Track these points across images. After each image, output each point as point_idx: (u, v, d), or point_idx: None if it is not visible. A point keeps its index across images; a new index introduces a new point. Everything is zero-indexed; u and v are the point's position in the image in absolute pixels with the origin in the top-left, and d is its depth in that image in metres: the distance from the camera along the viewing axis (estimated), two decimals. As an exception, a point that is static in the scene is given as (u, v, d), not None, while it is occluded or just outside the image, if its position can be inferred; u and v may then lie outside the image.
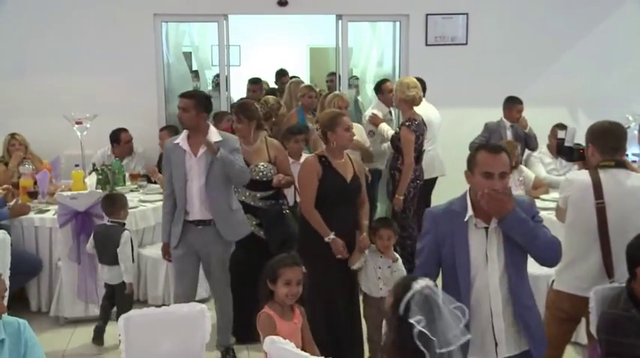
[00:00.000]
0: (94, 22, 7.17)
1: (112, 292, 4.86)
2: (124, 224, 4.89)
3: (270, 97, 7.15)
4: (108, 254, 4.79)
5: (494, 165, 2.91)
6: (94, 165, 6.40)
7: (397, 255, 4.33)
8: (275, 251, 4.29)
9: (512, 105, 6.66)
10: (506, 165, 2.94)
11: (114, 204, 4.87)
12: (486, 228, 2.97)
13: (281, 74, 9.24)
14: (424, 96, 6.32)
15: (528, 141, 6.69)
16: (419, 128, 5.41)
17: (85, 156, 6.26)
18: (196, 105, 4.22)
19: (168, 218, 4.42)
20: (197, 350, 3.08)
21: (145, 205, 5.72)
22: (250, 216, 4.67)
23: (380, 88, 6.83)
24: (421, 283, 2.42)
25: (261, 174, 4.73)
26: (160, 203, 5.64)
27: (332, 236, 4.06)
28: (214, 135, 4.29)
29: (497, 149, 3.00)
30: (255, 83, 7.69)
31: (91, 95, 7.02)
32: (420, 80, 6.40)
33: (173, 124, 6.95)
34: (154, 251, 5.59)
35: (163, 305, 5.04)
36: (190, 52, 9.69)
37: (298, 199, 4.74)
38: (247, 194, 4.75)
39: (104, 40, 7.19)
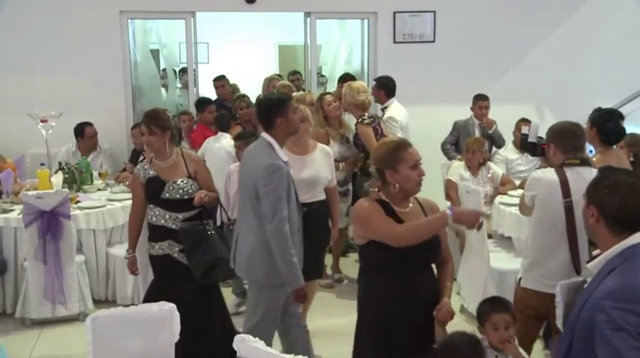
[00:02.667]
0: (59, 18, 7.07)
1: None
2: None
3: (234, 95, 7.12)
4: None
5: None
6: (60, 163, 6.31)
7: (524, 353, 3.12)
8: (201, 279, 3.95)
9: (475, 101, 6.78)
10: None
11: None
12: None
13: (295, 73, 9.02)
14: (394, 95, 6.38)
15: (495, 140, 6.78)
16: (373, 121, 5.44)
17: (51, 155, 6.18)
18: None
19: (293, 248, 3.58)
20: (166, 349, 3.04)
21: (113, 204, 5.65)
22: (172, 243, 3.99)
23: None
24: None
25: (181, 191, 3.99)
26: (129, 201, 5.60)
27: None
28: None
29: None
30: (219, 79, 7.66)
31: (57, 93, 6.94)
32: (389, 79, 6.45)
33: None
34: (123, 250, 5.50)
35: (132, 304, 4.99)
36: (158, 50, 9.60)
37: (225, 218, 4.25)
38: (167, 217, 3.99)
39: (70, 37, 7.09)
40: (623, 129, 4.41)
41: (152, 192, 4.02)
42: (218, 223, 4.25)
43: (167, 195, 3.98)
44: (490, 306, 3.14)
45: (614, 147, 4.39)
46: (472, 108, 6.81)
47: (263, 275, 3.63)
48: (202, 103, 6.86)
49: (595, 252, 2.43)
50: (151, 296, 3.97)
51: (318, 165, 4.48)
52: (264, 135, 3.68)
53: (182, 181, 4.02)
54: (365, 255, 3.11)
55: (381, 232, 2.98)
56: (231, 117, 6.52)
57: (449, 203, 2.76)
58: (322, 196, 4.57)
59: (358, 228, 3.10)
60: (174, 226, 3.99)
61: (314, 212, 4.43)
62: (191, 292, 3.97)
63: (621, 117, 4.45)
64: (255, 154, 3.70)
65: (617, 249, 2.19)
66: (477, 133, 6.68)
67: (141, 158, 6.45)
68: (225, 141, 6.01)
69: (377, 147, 3.24)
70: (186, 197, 4.00)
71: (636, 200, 2.19)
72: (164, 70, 9.56)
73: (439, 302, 3.03)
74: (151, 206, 4.05)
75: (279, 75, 8.14)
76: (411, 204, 3.10)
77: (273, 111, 3.65)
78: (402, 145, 3.08)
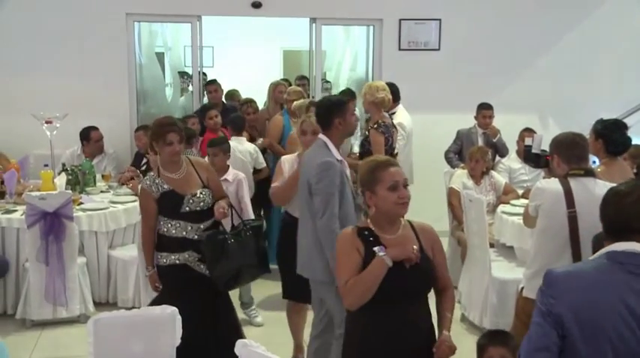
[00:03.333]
0: (65, 20, 7.09)
1: None
2: None
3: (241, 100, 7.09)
4: None
5: None
6: (63, 165, 6.32)
7: None
8: (223, 288, 3.95)
9: (479, 110, 6.79)
10: None
11: None
12: None
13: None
14: (399, 102, 6.38)
15: (498, 149, 6.78)
16: (387, 130, 5.43)
17: (55, 156, 6.18)
18: None
19: None
20: (168, 353, 3.04)
21: (115, 206, 5.66)
22: (192, 253, 3.89)
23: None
24: None
25: (202, 204, 3.92)
26: (132, 204, 5.65)
27: None
28: None
29: None
30: (212, 84, 7.65)
31: (62, 94, 6.94)
32: (393, 84, 6.45)
33: (148, 124, 6.91)
34: (125, 253, 5.56)
35: (133, 307, 4.99)
36: (163, 53, 9.62)
37: (236, 221, 4.12)
38: (189, 228, 3.89)
39: (75, 39, 7.11)
40: (629, 140, 4.42)
41: (170, 206, 3.87)
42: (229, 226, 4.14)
43: (187, 208, 3.87)
44: (488, 338, 3.06)
45: (618, 158, 4.39)
46: (476, 117, 6.82)
47: (321, 272, 3.67)
48: (204, 109, 6.85)
49: None
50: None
51: None
52: (321, 135, 3.77)
53: (201, 193, 3.92)
54: None
55: (338, 285, 2.81)
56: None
57: (377, 247, 2.71)
58: None
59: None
60: (196, 237, 3.90)
61: None
62: (206, 299, 3.93)
63: (626, 127, 4.46)
64: (311, 154, 3.77)
65: (597, 254, 2.24)
66: (481, 142, 6.68)
67: (144, 161, 6.46)
68: (247, 144, 6.08)
69: (360, 166, 3.06)
70: (206, 208, 3.94)
71: (614, 209, 2.21)
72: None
73: (434, 335, 2.79)
74: (166, 219, 3.89)
75: (285, 79, 8.14)
76: (400, 230, 2.83)
77: (332, 111, 3.73)
78: (382, 165, 2.83)
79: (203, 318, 3.84)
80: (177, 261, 3.89)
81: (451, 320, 2.85)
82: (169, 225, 3.89)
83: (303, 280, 4.01)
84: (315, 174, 3.60)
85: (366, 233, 2.80)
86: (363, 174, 2.87)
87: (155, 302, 3.94)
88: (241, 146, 6.01)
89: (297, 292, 4.30)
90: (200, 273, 3.91)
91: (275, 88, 7.04)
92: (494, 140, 6.72)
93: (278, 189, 4.32)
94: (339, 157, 3.71)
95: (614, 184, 3.66)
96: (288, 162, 4.38)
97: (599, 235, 3.07)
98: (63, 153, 6.72)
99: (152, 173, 3.99)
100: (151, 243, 3.95)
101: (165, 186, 3.87)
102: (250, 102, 6.92)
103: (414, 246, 2.73)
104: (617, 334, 2.04)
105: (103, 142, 6.85)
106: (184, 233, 3.89)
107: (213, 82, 7.68)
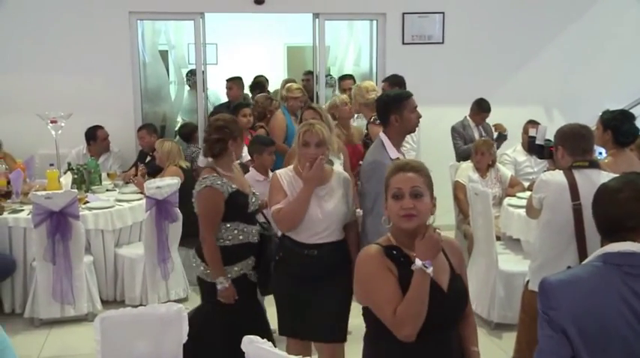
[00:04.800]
0: (68, 19, 7.10)
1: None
2: None
3: (260, 96, 7.11)
4: None
5: None
6: (69, 164, 6.34)
7: None
8: (266, 293, 3.78)
9: (478, 112, 6.77)
10: None
11: None
12: None
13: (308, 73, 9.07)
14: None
15: (498, 141, 6.79)
16: None
17: (60, 156, 6.20)
18: None
19: None
20: (174, 350, 3.05)
21: (121, 205, 5.67)
22: (252, 259, 3.62)
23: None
24: None
25: (259, 202, 3.74)
26: (137, 202, 5.67)
27: None
28: None
29: None
30: (230, 81, 7.64)
31: (66, 94, 6.97)
32: (398, 76, 6.43)
33: (151, 123, 6.93)
34: (131, 251, 5.57)
35: (141, 305, 5.00)
36: (167, 51, 9.62)
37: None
38: (253, 231, 3.62)
39: (79, 37, 7.13)
40: (638, 130, 4.40)
41: (238, 208, 3.54)
42: None
43: (252, 208, 3.63)
44: None
45: (626, 149, 4.37)
46: (472, 115, 6.80)
47: None
48: (238, 107, 6.74)
49: None
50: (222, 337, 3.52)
51: (336, 196, 3.50)
52: (381, 134, 3.62)
53: (255, 191, 3.71)
54: (371, 318, 2.41)
55: (382, 317, 2.33)
56: (258, 119, 6.57)
57: (417, 260, 2.30)
58: (341, 235, 3.55)
59: (359, 290, 2.45)
60: (256, 239, 3.62)
61: (329, 255, 3.48)
62: (257, 306, 3.77)
63: (634, 117, 4.45)
64: (368, 153, 3.66)
65: (592, 257, 2.17)
66: (476, 135, 6.68)
67: (147, 159, 6.48)
68: None
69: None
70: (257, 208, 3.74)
71: (606, 207, 2.14)
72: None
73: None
74: (230, 224, 3.54)
75: (260, 75, 8.28)
76: None
77: (389, 107, 3.56)
78: (393, 170, 2.48)
79: (254, 328, 3.50)
80: (241, 272, 3.57)
81: (479, 354, 2.53)
82: (235, 231, 3.54)
83: (301, 313, 3.48)
84: (363, 173, 3.46)
85: (394, 252, 2.40)
86: (385, 179, 2.53)
87: (216, 326, 3.58)
88: None
89: (295, 328, 3.57)
90: (251, 281, 3.67)
91: (284, 86, 7.06)
92: (504, 133, 6.74)
93: (285, 213, 3.39)
94: (396, 156, 3.45)
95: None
96: (285, 178, 3.49)
97: None
98: (69, 153, 6.75)
99: (214, 174, 3.51)
100: (219, 252, 3.51)
101: (233, 186, 3.51)
102: (274, 99, 6.97)
103: (437, 230, 2.38)
104: (623, 341, 1.95)
105: (109, 140, 6.87)
106: (250, 237, 3.59)
107: (232, 79, 7.64)
